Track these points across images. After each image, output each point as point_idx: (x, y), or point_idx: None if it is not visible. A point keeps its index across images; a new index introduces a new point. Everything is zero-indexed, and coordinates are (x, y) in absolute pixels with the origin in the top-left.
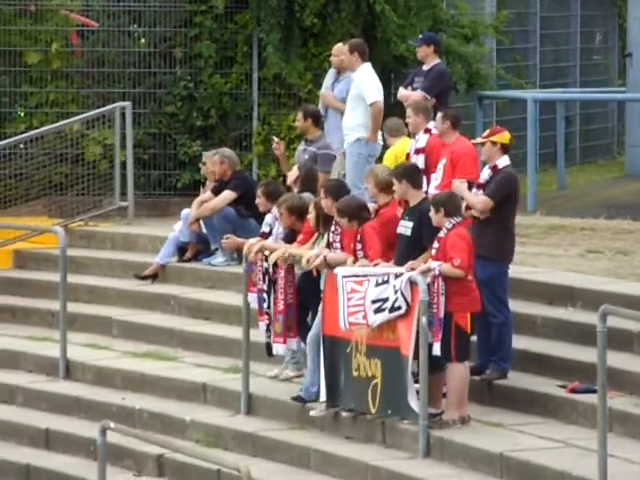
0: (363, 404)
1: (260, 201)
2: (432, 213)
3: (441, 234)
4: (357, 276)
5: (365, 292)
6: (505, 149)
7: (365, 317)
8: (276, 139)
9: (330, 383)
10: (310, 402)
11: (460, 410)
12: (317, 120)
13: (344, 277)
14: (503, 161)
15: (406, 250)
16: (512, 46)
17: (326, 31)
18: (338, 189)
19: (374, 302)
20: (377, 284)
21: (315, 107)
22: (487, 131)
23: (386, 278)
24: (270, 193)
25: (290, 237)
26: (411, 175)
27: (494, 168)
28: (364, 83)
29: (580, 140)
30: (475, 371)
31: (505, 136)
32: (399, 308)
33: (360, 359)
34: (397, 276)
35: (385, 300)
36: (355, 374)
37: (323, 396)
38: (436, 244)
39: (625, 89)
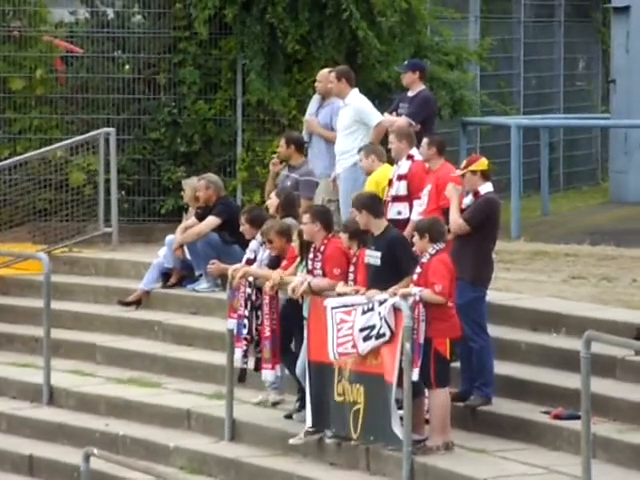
0: (345, 429)
1: (245, 228)
2: (416, 239)
3: (424, 259)
4: (346, 306)
5: (353, 322)
6: (485, 176)
7: (355, 346)
8: (276, 157)
9: (318, 409)
10: None
11: (444, 436)
12: (300, 146)
13: (333, 308)
14: (485, 187)
15: (375, 280)
16: (496, 72)
17: (310, 57)
18: (324, 214)
19: (362, 330)
20: (363, 312)
21: (298, 133)
22: (464, 161)
23: (371, 305)
24: (254, 219)
25: (275, 263)
26: (370, 205)
27: (476, 194)
28: (364, 107)
29: (564, 166)
30: (459, 397)
31: (483, 163)
32: (383, 335)
33: (344, 384)
34: (381, 303)
35: (372, 327)
36: (339, 399)
37: (309, 422)
38: (418, 269)
39: (609, 115)
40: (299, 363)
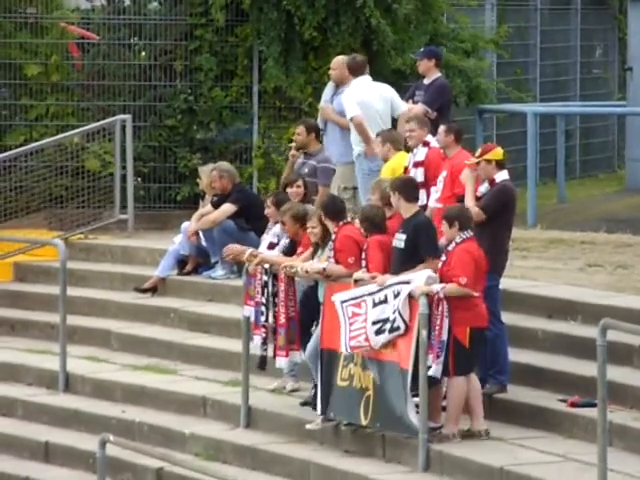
0: (352, 415)
1: (270, 211)
2: (445, 227)
3: (449, 247)
4: (355, 298)
5: (365, 314)
6: (500, 165)
7: (367, 339)
8: (294, 148)
9: (327, 396)
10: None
11: (460, 424)
12: (318, 134)
13: (343, 302)
14: (501, 175)
15: (399, 263)
16: (512, 60)
17: (327, 44)
18: (327, 207)
19: (374, 323)
20: (374, 304)
21: (314, 120)
22: (479, 150)
23: (383, 297)
24: (280, 202)
25: (290, 250)
26: (404, 188)
27: (492, 182)
28: (344, 100)
29: (580, 154)
30: None
31: (498, 152)
32: (398, 328)
33: (351, 369)
34: (395, 296)
35: (385, 321)
36: (342, 384)
37: (320, 409)
38: (444, 257)
39: (625, 103)
40: (309, 347)
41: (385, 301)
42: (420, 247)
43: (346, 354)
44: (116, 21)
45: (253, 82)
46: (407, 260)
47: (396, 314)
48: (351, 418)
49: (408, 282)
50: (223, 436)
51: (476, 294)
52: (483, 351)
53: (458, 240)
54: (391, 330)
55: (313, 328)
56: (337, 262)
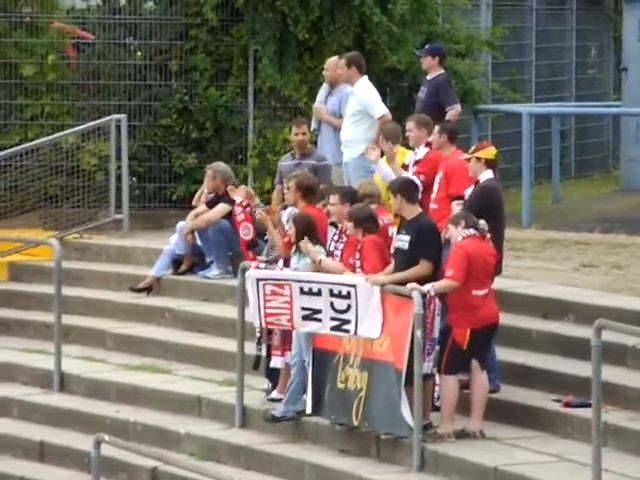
0: (347, 416)
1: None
2: (452, 229)
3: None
4: (277, 280)
5: (290, 297)
6: (490, 164)
7: (290, 320)
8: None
9: (317, 396)
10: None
11: (453, 424)
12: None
13: (260, 280)
14: (485, 175)
15: (403, 264)
16: (508, 60)
17: (321, 44)
18: (354, 194)
19: (304, 309)
20: (302, 292)
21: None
22: (473, 147)
23: (316, 290)
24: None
25: None
26: (406, 189)
27: (476, 183)
28: (368, 97)
29: (575, 154)
30: (467, 385)
31: (490, 151)
32: (347, 331)
33: (348, 371)
34: (336, 295)
35: (317, 311)
36: (341, 386)
37: (309, 409)
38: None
39: (620, 103)
40: (294, 351)
41: (318, 294)
42: (418, 250)
43: (263, 328)
44: (111, 21)
45: (248, 82)
46: (410, 261)
47: (351, 315)
48: (345, 419)
49: (354, 285)
50: (218, 436)
51: (476, 292)
52: (485, 352)
53: (459, 238)
54: (337, 329)
55: None
56: (342, 255)
